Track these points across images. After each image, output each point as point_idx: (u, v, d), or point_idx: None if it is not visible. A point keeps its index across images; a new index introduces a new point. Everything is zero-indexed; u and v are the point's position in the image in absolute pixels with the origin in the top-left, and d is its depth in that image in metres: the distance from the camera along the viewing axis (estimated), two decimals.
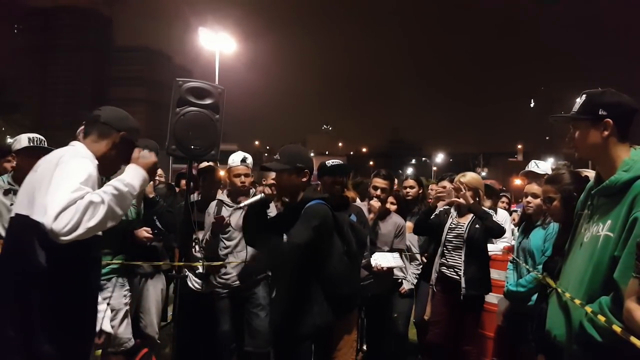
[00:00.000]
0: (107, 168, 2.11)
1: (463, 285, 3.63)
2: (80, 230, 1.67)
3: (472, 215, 3.79)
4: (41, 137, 3.26)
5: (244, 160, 3.78)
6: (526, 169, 4.51)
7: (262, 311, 3.61)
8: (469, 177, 3.87)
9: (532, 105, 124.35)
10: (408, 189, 4.77)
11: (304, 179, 2.64)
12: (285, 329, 2.51)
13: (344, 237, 2.55)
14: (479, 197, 3.83)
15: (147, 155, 2.08)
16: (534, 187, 3.53)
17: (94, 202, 1.72)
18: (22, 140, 3.20)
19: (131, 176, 1.93)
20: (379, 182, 3.95)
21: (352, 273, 2.60)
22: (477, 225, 3.72)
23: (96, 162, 1.95)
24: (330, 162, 3.46)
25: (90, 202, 1.71)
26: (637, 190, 1.71)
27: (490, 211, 3.80)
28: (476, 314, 3.80)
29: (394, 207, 4.18)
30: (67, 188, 1.71)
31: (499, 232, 3.66)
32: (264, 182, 4.94)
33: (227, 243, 3.72)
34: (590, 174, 2.64)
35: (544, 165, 4.51)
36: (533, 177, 4.18)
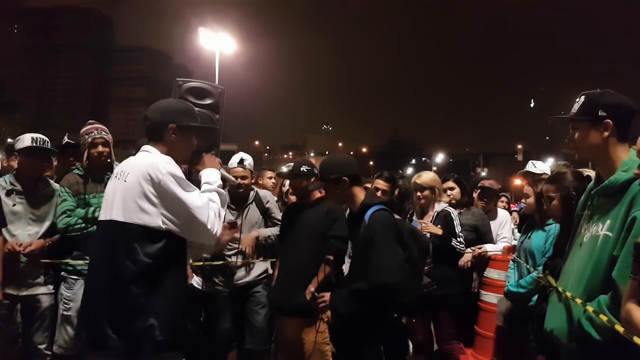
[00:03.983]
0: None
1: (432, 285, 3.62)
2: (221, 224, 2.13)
3: (432, 214, 3.87)
4: (44, 138, 3.26)
5: (241, 162, 3.74)
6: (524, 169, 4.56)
7: (263, 309, 3.63)
8: (424, 176, 3.96)
9: (532, 105, 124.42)
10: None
11: (344, 187, 2.61)
12: (349, 334, 2.48)
13: (405, 244, 2.49)
14: (436, 195, 3.92)
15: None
16: (527, 188, 3.57)
17: (213, 200, 2.11)
18: (25, 140, 3.19)
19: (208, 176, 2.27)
20: (380, 183, 3.97)
21: (414, 280, 2.54)
22: (439, 225, 3.78)
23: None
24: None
25: (212, 200, 2.11)
26: (636, 190, 1.72)
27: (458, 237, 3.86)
28: (448, 314, 3.80)
29: None
30: (196, 202, 2.03)
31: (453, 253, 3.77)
32: (260, 182, 4.92)
33: (233, 245, 3.72)
34: (591, 173, 2.65)
35: (541, 166, 4.56)
36: (530, 177, 4.22)
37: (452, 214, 3.86)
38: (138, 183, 1.99)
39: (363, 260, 2.45)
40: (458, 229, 3.83)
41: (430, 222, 3.84)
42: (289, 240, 3.42)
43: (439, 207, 3.93)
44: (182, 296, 2.16)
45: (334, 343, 2.71)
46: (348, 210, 2.85)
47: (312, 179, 3.30)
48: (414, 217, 4.06)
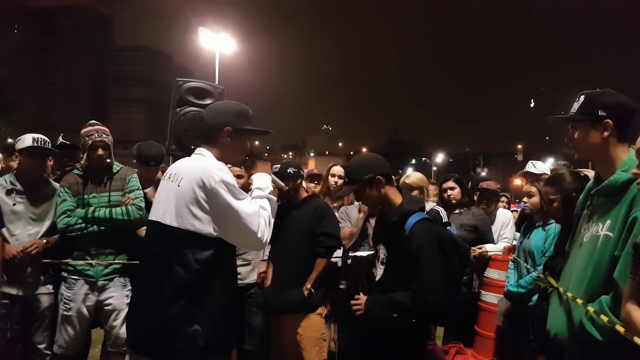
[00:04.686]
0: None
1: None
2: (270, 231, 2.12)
3: None
4: (45, 138, 3.25)
5: None
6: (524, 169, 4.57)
7: (261, 310, 3.64)
8: (413, 177, 4.01)
9: (532, 105, 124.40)
10: None
11: (380, 187, 2.42)
12: (378, 345, 2.41)
13: (445, 254, 2.34)
14: (424, 195, 3.98)
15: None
16: (530, 188, 3.57)
17: (264, 207, 2.11)
18: (26, 140, 3.19)
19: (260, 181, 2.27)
20: None
21: (453, 291, 2.41)
22: None
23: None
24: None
25: (262, 208, 2.10)
26: (636, 190, 1.71)
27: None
28: None
29: None
30: (247, 210, 2.02)
31: None
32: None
33: None
34: (590, 173, 2.65)
35: (541, 166, 4.56)
36: (530, 177, 4.23)
37: (440, 213, 3.88)
38: (191, 189, 1.98)
39: (403, 272, 2.34)
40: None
41: None
42: (279, 240, 3.42)
43: (427, 206, 3.93)
44: (230, 302, 2.15)
45: (359, 346, 2.65)
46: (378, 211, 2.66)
47: (299, 181, 3.43)
48: None
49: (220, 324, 2.05)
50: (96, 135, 3.18)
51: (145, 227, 3.37)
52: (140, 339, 2.03)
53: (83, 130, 3.24)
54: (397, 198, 2.43)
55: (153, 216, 2.14)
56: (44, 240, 3.18)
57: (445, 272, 2.30)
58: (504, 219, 4.66)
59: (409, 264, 2.27)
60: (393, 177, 2.53)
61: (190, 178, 2.00)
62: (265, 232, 2.07)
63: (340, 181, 4.08)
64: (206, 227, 1.97)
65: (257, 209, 2.07)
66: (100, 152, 3.18)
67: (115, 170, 3.30)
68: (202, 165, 2.05)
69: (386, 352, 2.38)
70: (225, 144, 2.13)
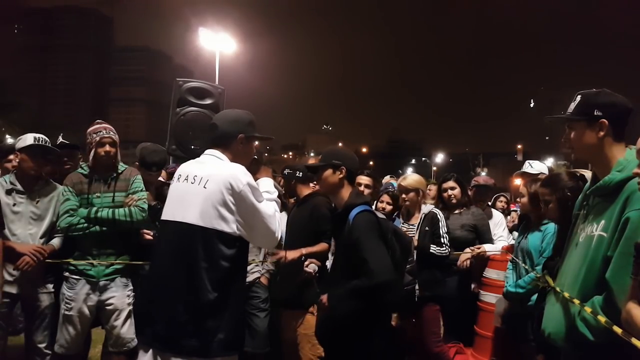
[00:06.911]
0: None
1: (416, 287, 3.57)
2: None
3: (420, 216, 3.89)
4: (46, 138, 3.27)
5: None
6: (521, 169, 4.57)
7: (262, 312, 3.64)
8: (409, 179, 3.99)
9: (532, 105, 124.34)
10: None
11: (340, 176, 2.60)
12: (331, 330, 2.56)
13: (388, 244, 2.52)
14: (421, 197, 3.97)
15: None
16: (522, 189, 3.60)
17: (276, 209, 2.32)
18: (27, 139, 3.19)
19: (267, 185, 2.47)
20: (364, 179, 4.15)
21: (397, 280, 2.59)
22: (426, 228, 3.80)
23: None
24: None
25: (276, 210, 2.32)
26: (630, 190, 1.72)
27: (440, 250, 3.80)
28: (435, 315, 3.79)
29: (389, 208, 4.21)
30: (268, 212, 2.23)
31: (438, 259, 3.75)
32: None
33: None
34: (588, 174, 2.66)
35: (538, 165, 4.55)
36: (528, 177, 4.23)
37: (438, 215, 3.89)
38: (219, 191, 2.12)
39: (349, 260, 2.47)
40: (443, 230, 3.81)
41: (418, 223, 3.86)
42: (286, 238, 3.52)
43: (425, 208, 3.95)
44: (243, 297, 2.37)
45: (322, 342, 2.75)
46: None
47: (292, 182, 3.61)
48: (400, 219, 4.09)
49: (240, 318, 2.22)
50: (104, 132, 3.21)
51: (144, 230, 3.39)
52: (165, 336, 2.09)
53: (90, 129, 3.25)
54: (347, 194, 2.63)
55: (170, 216, 2.22)
56: (49, 249, 3.17)
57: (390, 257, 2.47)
58: (496, 219, 4.71)
59: (352, 251, 2.42)
60: (355, 176, 2.76)
61: (219, 181, 2.13)
62: (279, 231, 2.28)
63: None
64: (230, 226, 2.12)
65: (273, 211, 2.28)
66: (107, 148, 3.20)
67: (120, 171, 3.30)
68: (229, 169, 2.19)
69: (343, 340, 2.50)
70: (238, 149, 2.31)
